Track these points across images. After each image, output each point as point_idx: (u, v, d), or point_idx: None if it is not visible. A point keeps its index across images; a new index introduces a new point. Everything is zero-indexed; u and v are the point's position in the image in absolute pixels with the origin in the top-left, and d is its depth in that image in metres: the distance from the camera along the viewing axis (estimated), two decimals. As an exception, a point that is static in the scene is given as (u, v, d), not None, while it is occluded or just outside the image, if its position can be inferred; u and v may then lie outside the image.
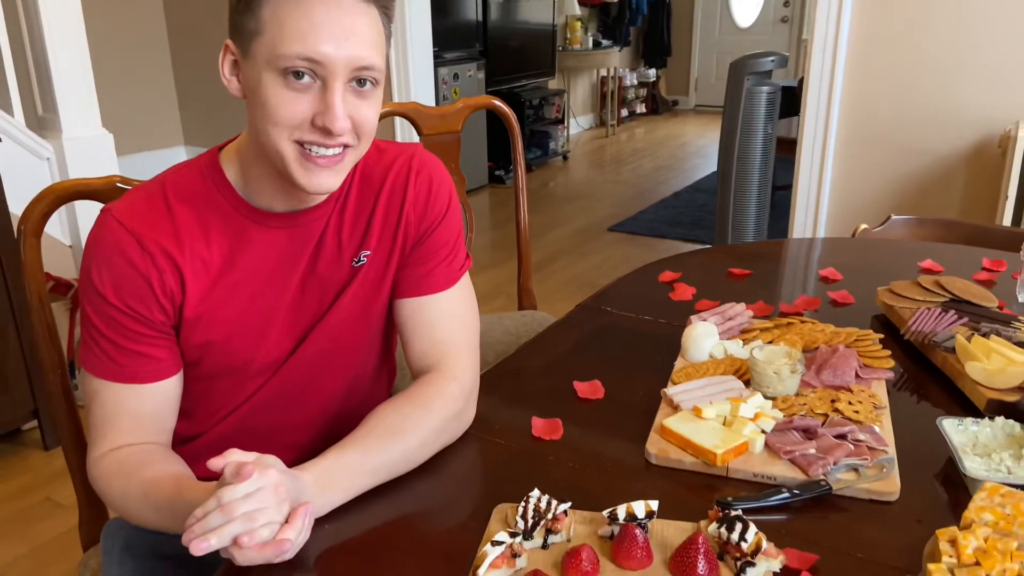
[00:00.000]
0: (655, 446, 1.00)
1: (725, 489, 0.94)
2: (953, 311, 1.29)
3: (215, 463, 0.78)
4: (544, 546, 0.84)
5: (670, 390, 1.11)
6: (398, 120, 3.72)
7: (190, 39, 5.18)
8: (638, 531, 0.81)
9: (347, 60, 0.86)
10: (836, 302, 1.48)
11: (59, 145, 2.89)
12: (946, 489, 0.94)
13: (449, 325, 1.05)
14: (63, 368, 1.25)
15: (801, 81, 3.04)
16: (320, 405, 1.07)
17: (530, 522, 0.84)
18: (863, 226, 2.04)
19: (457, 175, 1.96)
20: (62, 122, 2.89)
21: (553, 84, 7.03)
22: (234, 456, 0.78)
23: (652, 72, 8.64)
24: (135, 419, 0.94)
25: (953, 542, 0.78)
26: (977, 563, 0.76)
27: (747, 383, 1.13)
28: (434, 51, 4.15)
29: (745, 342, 1.24)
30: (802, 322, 1.30)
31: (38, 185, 2.74)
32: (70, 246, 2.99)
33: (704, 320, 1.27)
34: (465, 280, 1.09)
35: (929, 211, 2.71)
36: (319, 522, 0.86)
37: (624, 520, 0.83)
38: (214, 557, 0.78)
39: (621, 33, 7.95)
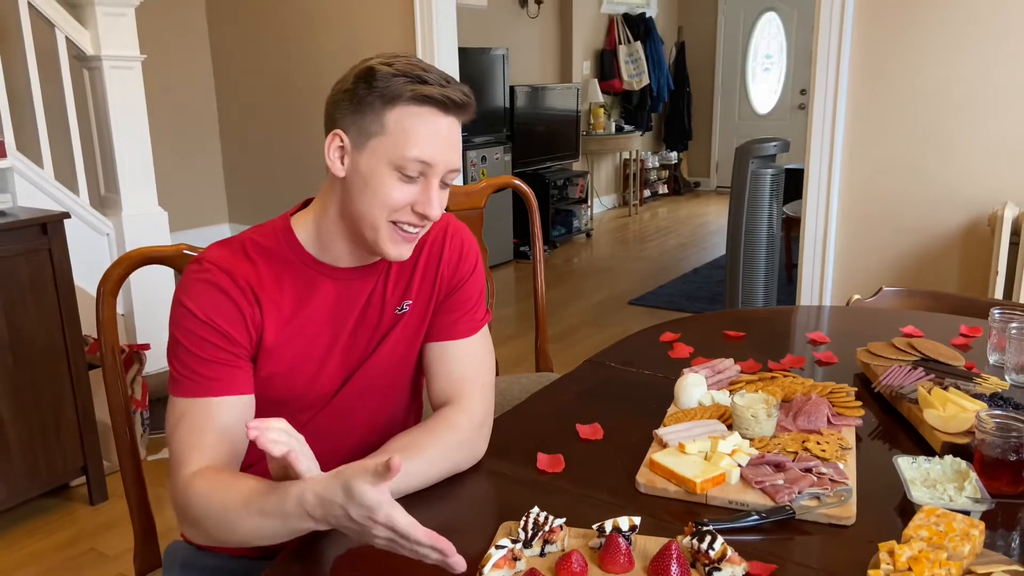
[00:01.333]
0: (643, 477, 1.15)
1: (703, 514, 1.08)
2: (921, 368, 1.43)
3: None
4: (541, 554, 0.98)
5: (661, 431, 1.26)
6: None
7: (238, 127, 5.56)
8: (621, 540, 0.95)
9: (446, 164, 1.09)
10: (821, 361, 1.62)
11: (119, 221, 3.16)
12: (898, 516, 1.07)
13: (467, 367, 1.23)
14: (128, 411, 1.43)
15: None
16: (359, 438, 1.23)
17: (530, 532, 0.98)
18: (856, 296, 2.19)
19: (480, 245, 2.15)
20: (123, 201, 3.16)
21: (577, 166, 7.33)
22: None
23: (674, 155, 8.94)
24: (221, 435, 1.04)
25: (891, 552, 0.91)
26: (910, 569, 0.89)
27: (729, 427, 1.27)
28: (463, 136, 4.44)
29: (732, 392, 1.39)
30: (784, 376, 1.45)
31: (98, 258, 3.01)
32: (122, 315, 3.22)
33: (695, 372, 1.42)
34: (485, 331, 1.28)
35: (926, 285, 2.84)
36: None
37: (610, 531, 0.97)
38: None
39: (643, 119, 8.28)
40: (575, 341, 4.24)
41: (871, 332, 1.79)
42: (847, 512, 1.05)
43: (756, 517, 1.04)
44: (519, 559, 0.95)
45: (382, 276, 1.20)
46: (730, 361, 1.50)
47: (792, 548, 1.01)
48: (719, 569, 0.92)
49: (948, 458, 1.13)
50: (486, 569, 0.92)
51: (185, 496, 1.00)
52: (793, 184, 3.60)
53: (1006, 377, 1.43)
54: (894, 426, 1.32)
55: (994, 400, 1.29)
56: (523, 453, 1.25)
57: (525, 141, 6.32)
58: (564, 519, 1.00)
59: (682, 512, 1.09)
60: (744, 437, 1.22)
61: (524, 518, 0.99)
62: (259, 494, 0.94)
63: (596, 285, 5.44)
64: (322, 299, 1.16)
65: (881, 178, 2.96)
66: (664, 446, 1.22)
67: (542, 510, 1.00)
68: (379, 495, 0.84)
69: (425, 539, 0.86)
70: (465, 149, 4.98)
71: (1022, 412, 1.15)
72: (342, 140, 1.09)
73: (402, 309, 1.21)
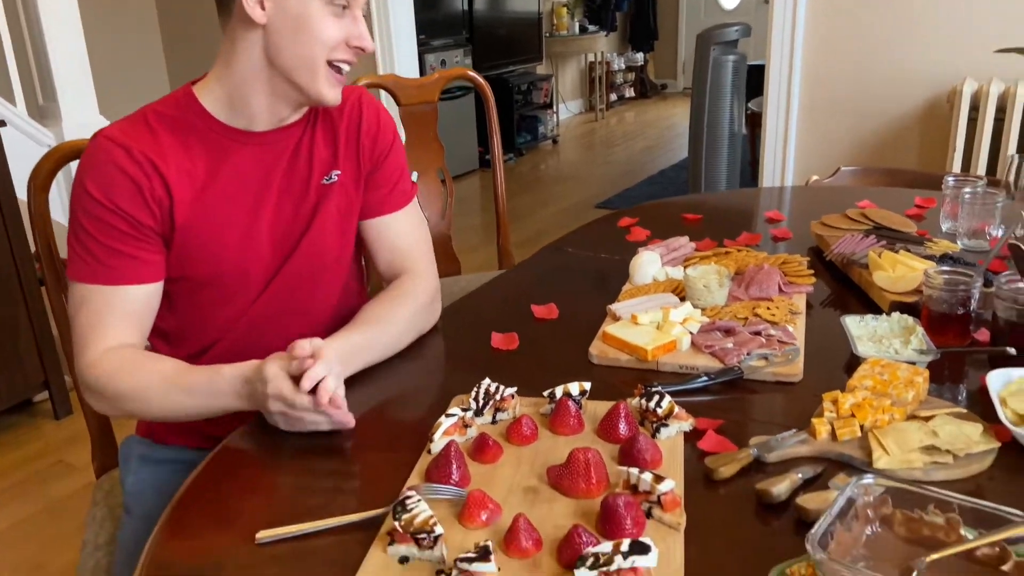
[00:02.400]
0: (596, 348, 1.15)
1: (654, 379, 1.08)
2: (873, 236, 1.43)
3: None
4: (493, 422, 0.98)
5: (614, 306, 1.25)
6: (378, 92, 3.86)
7: (180, 23, 5.33)
8: (571, 403, 0.95)
9: None
10: (776, 237, 1.62)
11: (59, 132, 3.03)
12: (844, 372, 1.08)
13: (408, 238, 1.24)
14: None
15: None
16: (312, 322, 1.20)
17: (481, 401, 0.98)
18: (814, 177, 2.18)
19: (436, 143, 2.10)
20: (61, 110, 3.03)
21: (541, 70, 7.16)
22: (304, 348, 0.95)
23: (640, 56, 8.76)
24: (124, 320, 1.05)
25: (835, 401, 0.93)
26: (853, 416, 0.91)
27: (683, 299, 1.27)
28: (421, 38, 4.28)
29: (686, 267, 1.38)
30: (739, 251, 1.44)
31: (41, 170, 2.91)
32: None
33: (650, 251, 1.41)
34: (415, 202, 1.28)
35: (886, 165, 2.84)
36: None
37: (561, 397, 0.97)
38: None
39: (607, 18, 8.07)
40: (541, 245, 4.22)
41: (827, 209, 1.78)
42: (794, 370, 1.06)
43: (705, 379, 1.05)
44: (470, 426, 0.95)
45: (304, 142, 1.16)
46: (685, 239, 1.49)
47: (739, 405, 1.02)
48: (666, 425, 0.92)
49: (895, 315, 1.14)
50: (436, 435, 0.91)
51: (94, 376, 1.03)
52: (757, 81, 3.54)
53: (957, 242, 1.44)
54: (844, 292, 1.33)
55: (943, 261, 1.29)
56: (477, 334, 1.24)
57: (485, 44, 6.13)
58: (515, 388, 1.00)
59: (633, 379, 1.09)
60: (696, 307, 1.22)
61: (475, 388, 0.99)
62: (184, 372, 1.01)
63: (563, 192, 5.40)
64: (237, 166, 1.11)
65: (841, 62, 2.91)
66: (617, 319, 1.22)
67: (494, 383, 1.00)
68: (274, 370, 0.93)
69: (311, 405, 0.93)
70: (423, 52, 4.81)
71: (971, 269, 1.15)
72: None
73: (330, 179, 1.17)
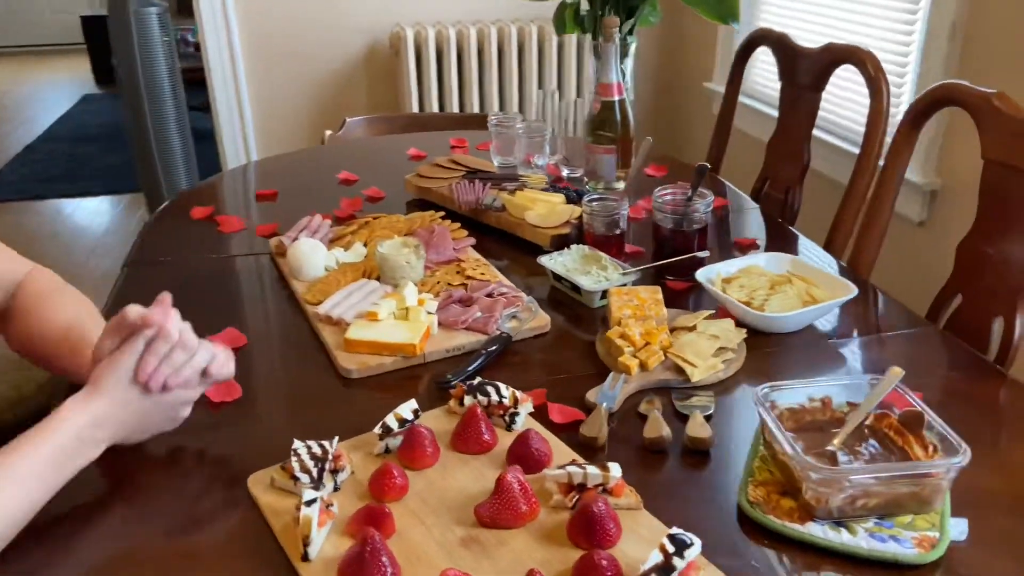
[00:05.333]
0: (351, 361, 0.98)
1: (427, 371, 0.99)
2: (477, 179, 1.51)
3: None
4: (336, 488, 0.78)
5: (320, 308, 1.08)
6: None
7: None
8: (423, 429, 0.82)
9: None
10: (372, 198, 1.57)
11: None
12: (573, 309, 1.15)
13: None
14: None
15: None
16: None
17: (314, 472, 0.77)
18: (328, 132, 2.16)
19: None
20: None
21: None
22: (136, 308, 0.78)
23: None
24: None
25: (622, 336, 0.99)
26: (647, 344, 0.99)
27: (377, 279, 1.16)
28: None
29: (346, 248, 1.26)
30: (375, 219, 1.37)
31: None
32: None
33: (302, 239, 1.24)
34: None
35: (343, 112, 2.96)
36: None
37: (399, 428, 0.82)
38: None
39: None
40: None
41: (384, 160, 1.81)
42: (543, 320, 1.09)
43: (484, 355, 1.00)
44: (332, 504, 0.74)
45: None
46: (317, 217, 1.34)
47: (528, 368, 1.01)
48: (518, 413, 0.87)
49: (575, 247, 1.24)
50: (314, 535, 0.69)
51: None
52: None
53: (564, 171, 1.60)
54: (494, 238, 1.38)
55: (555, 188, 1.45)
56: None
57: None
58: (336, 437, 0.81)
59: (407, 379, 0.98)
60: (402, 285, 1.14)
61: (294, 459, 0.77)
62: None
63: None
64: None
65: (280, 19, 2.86)
66: (336, 324, 1.06)
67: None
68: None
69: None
70: None
71: (607, 193, 1.33)
72: None
73: None
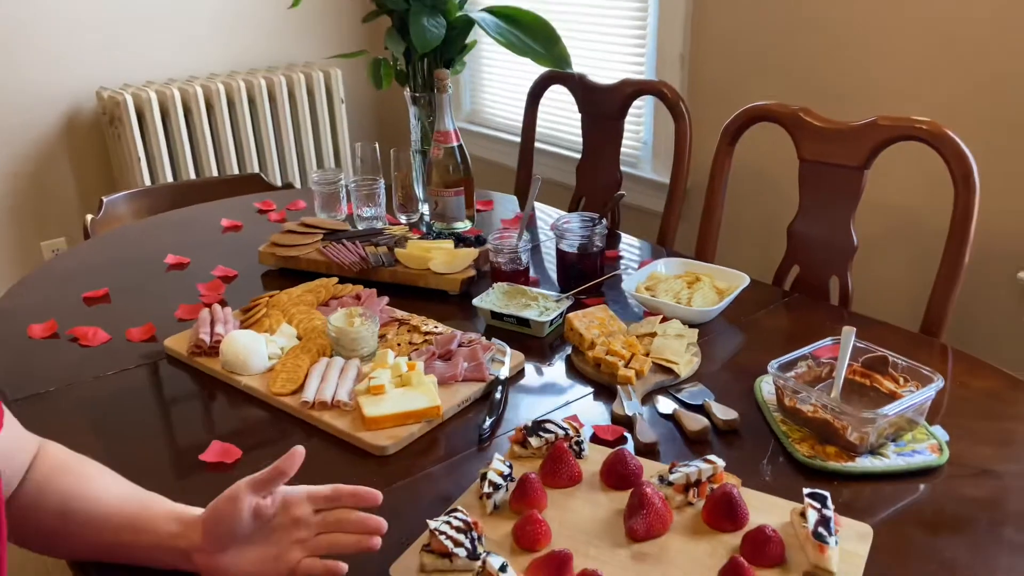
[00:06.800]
0: (381, 438, 0.96)
1: (449, 428, 1.01)
2: (343, 239, 1.49)
3: None
4: (483, 555, 0.78)
5: (304, 395, 1.02)
6: None
7: None
8: (532, 475, 0.85)
9: None
10: (225, 278, 1.46)
11: None
12: (522, 342, 1.21)
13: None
14: None
15: None
16: None
17: (467, 544, 0.76)
18: (89, 216, 1.91)
19: None
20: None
21: None
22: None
23: None
24: None
25: (610, 352, 1.10)
26: (633, 355, 1.11)
27: (333, 355, 1.12)
28: None
29: (272, 333, 1.18)
30: (271, 296, 1.29)
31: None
32: None
33: (235, 333, 1.14)
34: None
35: (48, 196, 2.58)
36: None
37: (503, 482, 0.84)
38: None
39: None
40: None
41: (191, 237, 1.67)
42: (519, 358, 1.15)
43: (499, 395, 1.05)
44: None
45: None
46: (216, 307, 1.23)
47: (531, 400, 1.07)
48: (582, 440, 0.93)
49: (496, 286, 1.31)
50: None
51: None
52: None
53: (402, 217, 1.60)
54: (390, 293, 1.36)
55: (430, 231, 1.49)
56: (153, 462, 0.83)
57: None
58: (459, 506, 0.80)
59: (436, 441, 0.99)
60: (366, 357, 1.12)
61: (441, 537, 0.76)
62: None
63: None
64: None
65: None
66: (337, 407, 1.01)
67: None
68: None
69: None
70: None
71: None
72: None
73: None
